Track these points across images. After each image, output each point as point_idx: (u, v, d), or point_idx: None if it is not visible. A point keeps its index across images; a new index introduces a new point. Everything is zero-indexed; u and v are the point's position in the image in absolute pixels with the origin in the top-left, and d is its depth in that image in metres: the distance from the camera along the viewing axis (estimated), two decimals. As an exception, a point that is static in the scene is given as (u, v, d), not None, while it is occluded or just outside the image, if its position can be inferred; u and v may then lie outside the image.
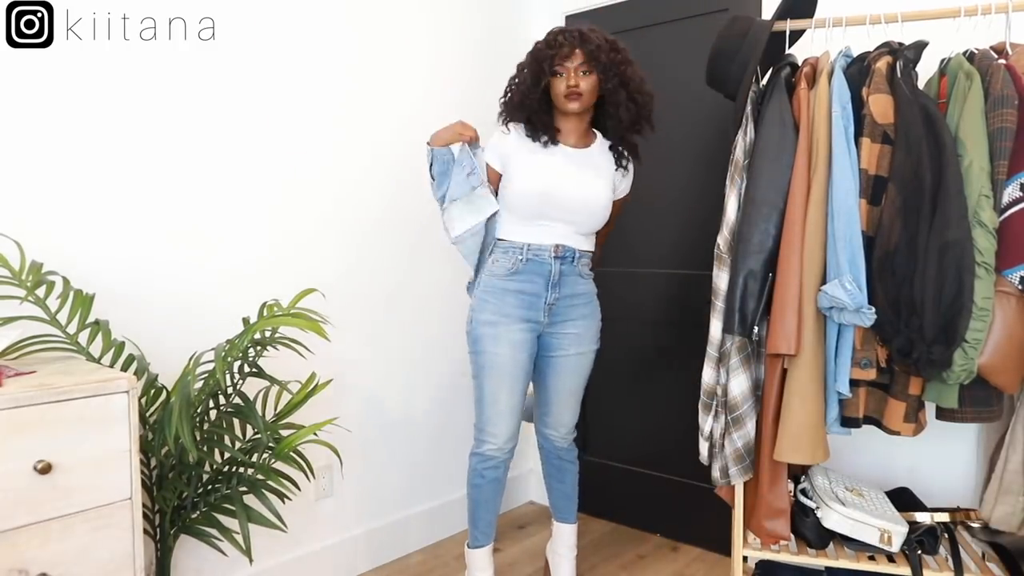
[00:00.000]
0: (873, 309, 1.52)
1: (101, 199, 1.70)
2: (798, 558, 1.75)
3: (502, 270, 1.90)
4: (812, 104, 1.64)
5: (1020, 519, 1.64)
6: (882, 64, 1.60)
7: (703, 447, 1.80)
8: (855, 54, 1.71)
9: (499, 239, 1.92)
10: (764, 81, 1.82)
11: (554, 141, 1.91)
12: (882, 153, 1.57)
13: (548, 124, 1.90)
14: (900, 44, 1.65)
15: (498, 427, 1.93)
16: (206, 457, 1.60)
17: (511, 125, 1.93)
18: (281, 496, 1.65)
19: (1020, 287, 1.48)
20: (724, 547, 2.28)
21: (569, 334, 1.97)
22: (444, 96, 2.52)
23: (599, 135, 1.99)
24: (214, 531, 1.62)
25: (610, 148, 1.97)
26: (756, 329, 1.66)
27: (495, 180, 1.94)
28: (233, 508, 1.59)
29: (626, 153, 1.98)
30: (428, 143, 1.90)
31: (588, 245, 1.98)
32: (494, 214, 1.91)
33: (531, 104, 1.87)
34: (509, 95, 1.93)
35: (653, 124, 1.95)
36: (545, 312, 1.92)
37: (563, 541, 2.18)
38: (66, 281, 1.55)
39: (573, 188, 1.88)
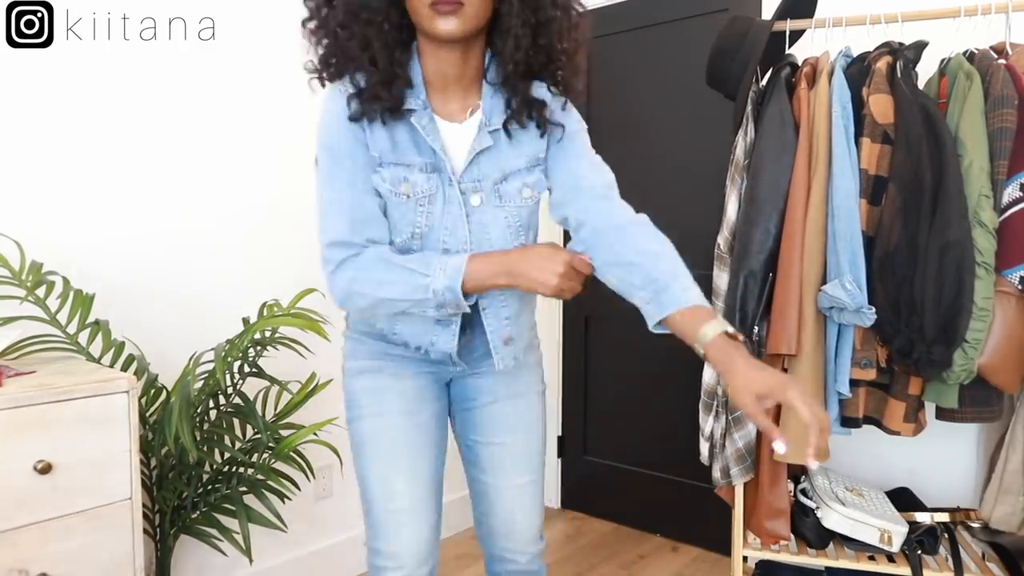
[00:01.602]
0: (873, 309, 1.52)
1: (101, 199, 1.70)
2: (798, 558, 1.75)
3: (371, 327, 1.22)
4: (812, 104, 1.64)
5: (1020, 519, 1.64)
6: (882, 64, 1.60)
7: (704, 447, 1.80)
8: (855, 54, 1.71)
9: None
10: (764, 81, 1.82)
11: (397, 108, 1.06)
12: (882, 153, 1.57)
13: (393, 73, 1.05)
14: (900, 44, 1.65)
15: (399, 539, 1.16)
16: (206, 457, 1.60)
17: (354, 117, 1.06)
18: (281, 496, 1.65)
19: (1020, 287, 1.48)
20: (724, 547, 2.27)
21: (491, 368, 1.23)
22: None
23: (487, 88, 1.13)
24: (214, 531, 1.62)
25: (506, 107, 1.11)
26: (756, 329, 1.66)
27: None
28: (233, 508, 1.59)
29: (529, 106, 1.11)
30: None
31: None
32: None
33: (372, 19, 1.02)
34: (324, 11, 1.05)
35: (578, 78, 1.15)
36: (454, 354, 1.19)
37: None
38: (66, 281, 1.55)
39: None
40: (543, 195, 1.18)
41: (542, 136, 1.14)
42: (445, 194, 1.10)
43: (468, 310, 1.09)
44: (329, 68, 1.09)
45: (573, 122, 1.17)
